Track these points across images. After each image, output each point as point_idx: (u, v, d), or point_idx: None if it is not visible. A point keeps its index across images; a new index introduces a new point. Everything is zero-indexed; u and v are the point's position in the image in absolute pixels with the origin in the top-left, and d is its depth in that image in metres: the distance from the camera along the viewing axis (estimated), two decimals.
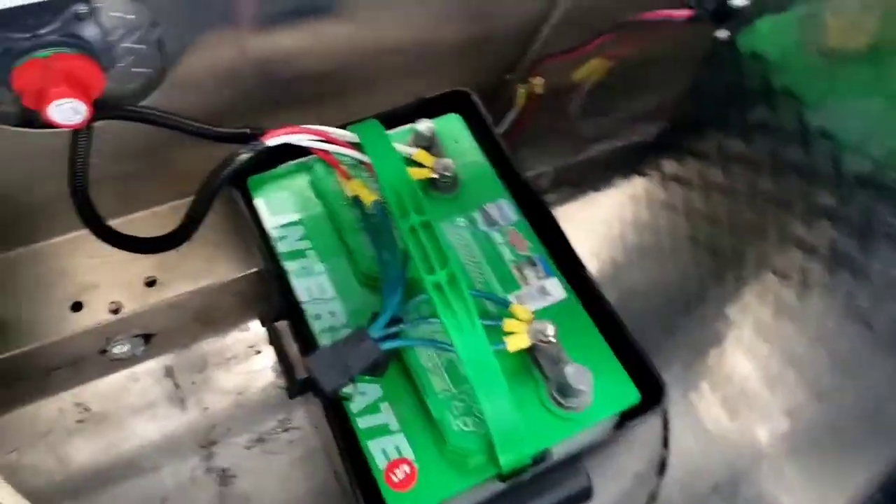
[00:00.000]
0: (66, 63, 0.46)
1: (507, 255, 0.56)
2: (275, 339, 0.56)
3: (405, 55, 0.74)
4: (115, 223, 0.83)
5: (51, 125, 0.48)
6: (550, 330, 0.50)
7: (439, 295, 0.46)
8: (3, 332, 0.73)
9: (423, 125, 0.59)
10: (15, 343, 0.72)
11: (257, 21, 0.60)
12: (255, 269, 0.77)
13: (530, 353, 0.51)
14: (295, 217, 0.57)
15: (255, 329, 0.80)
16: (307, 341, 0.52)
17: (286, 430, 0.76)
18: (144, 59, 0.59)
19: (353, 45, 0.69)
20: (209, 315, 0.78)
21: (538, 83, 0.75)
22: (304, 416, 0.76)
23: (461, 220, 0.58)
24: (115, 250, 0.82)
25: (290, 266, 0.55)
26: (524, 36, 0.78)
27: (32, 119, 0.58)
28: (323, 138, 0.57)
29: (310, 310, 0.53)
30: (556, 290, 0.56)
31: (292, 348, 0.53)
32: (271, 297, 0.58)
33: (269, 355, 0.78)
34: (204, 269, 0.78)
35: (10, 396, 0.73)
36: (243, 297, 0.79)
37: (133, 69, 0.60)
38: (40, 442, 0.72)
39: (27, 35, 0.45)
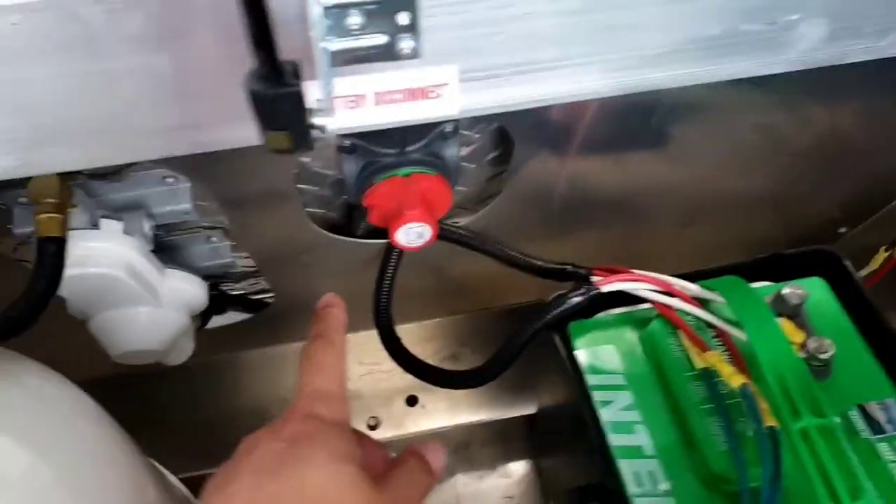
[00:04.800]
0: (424, 184, 0.42)
1: None
2: None
3: (723, 193, 0.65)
4: None
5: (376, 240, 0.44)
6: None
7: None
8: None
9: (792, 290, 0.48)
10: None
11: (583, 148, 0.55)
12: (523, 413, 0.69)
13: None
14: (620, 380, 0.48)
15: (516, 475, 0.71)
16: None
17: None
18: (469, 177, 0.56)
19: (670, 181, 0.62)
20: (469, 452, 0.71)
21: None
22: None
23: (834, 421, 0.45)
24: (382, 360, 0.79)
25: (615, 440, 0.45)
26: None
27: (340, 225, 0.56)
28: (665, 290, 0.48)
29: None
30: None
31: None
32: (577, 470, 0.49)
33: None
34: (469, 399, 0.72)
35: None
36: (507, 439, 0.71)
37: (456, 187, 0.56)
38: None
39: (393, 151, 0.41)
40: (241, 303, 0.73)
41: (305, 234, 0.53)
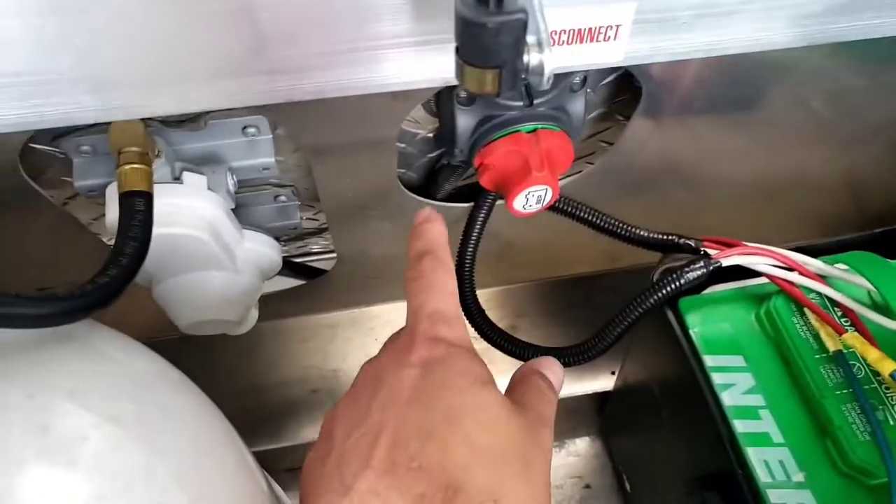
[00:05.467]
0: (550, 142, 0.37)
1: None
2: None
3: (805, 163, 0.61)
4: None
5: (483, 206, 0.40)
6: None
7: None
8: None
9: None
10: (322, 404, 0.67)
11: (681, 111, 0.50)
12: (595, 391, 0.66)
13: None
14: (740, 361, 0.44)
15: (585, 454, 0.67)
16: None
17: None
18: None
19: (751, 150, 0.58)
20: None
21: None
22: None
23: None
24: None
25: (739, 427, 0.42)
26: None
27: (418, 186, 0.51)
28: (787, 266, 0.44)
29: (773, 498, 0.39)
30: None
31: None
32: (688, 457, 0.45)
33: (600, 495, 0.65)
34: None
35: None
36: (574, 416, 0.68)
37: None
38: None
39: (519, 104, 0.37)
40: (287, 266, 0.69)
41: (389, 193, 0.48)
